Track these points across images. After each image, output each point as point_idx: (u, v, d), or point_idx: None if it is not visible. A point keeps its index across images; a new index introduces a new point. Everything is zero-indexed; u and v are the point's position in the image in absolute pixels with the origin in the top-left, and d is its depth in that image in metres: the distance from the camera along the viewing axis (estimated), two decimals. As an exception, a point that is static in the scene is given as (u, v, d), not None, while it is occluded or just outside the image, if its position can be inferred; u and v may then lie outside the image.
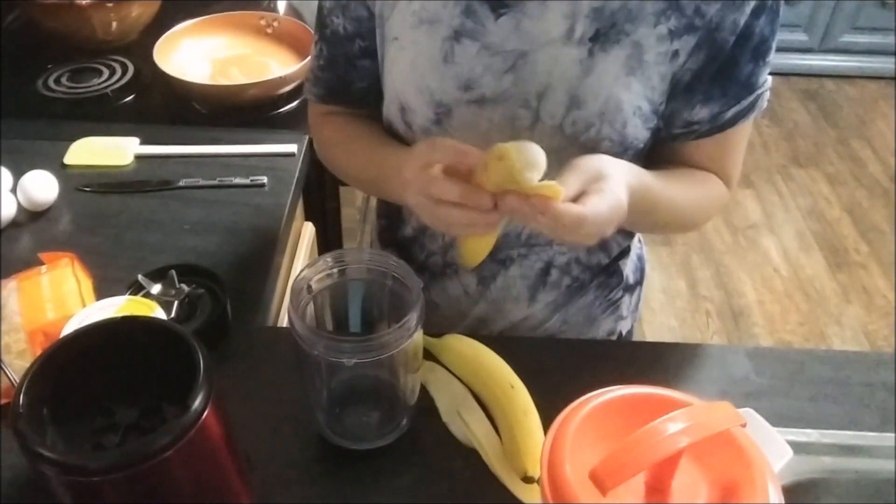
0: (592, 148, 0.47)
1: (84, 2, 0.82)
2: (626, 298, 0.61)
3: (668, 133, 0.48)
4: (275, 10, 0.98)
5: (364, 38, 0.50)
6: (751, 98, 0.46)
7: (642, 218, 0.47)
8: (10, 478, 0.42)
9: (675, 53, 0.44)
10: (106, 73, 0.85)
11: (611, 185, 0.40)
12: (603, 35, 0.43)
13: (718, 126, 0.47)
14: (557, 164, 0.48)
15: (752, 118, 0.48)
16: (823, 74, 2.11)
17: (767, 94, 0.48)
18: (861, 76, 2.10)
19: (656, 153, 0.50)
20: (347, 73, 0.52)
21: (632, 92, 0.45)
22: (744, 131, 0.49)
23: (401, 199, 0.45)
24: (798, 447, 0.41)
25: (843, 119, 1.99)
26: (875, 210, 1.70)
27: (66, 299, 0.49)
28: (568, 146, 0.47)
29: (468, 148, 0.39)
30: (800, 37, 2.05)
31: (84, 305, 0.49)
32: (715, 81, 0.45)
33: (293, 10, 0.98)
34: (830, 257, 1.57)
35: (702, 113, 0.47)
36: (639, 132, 0.47)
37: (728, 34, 0.43)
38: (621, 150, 0.47)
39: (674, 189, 0.47)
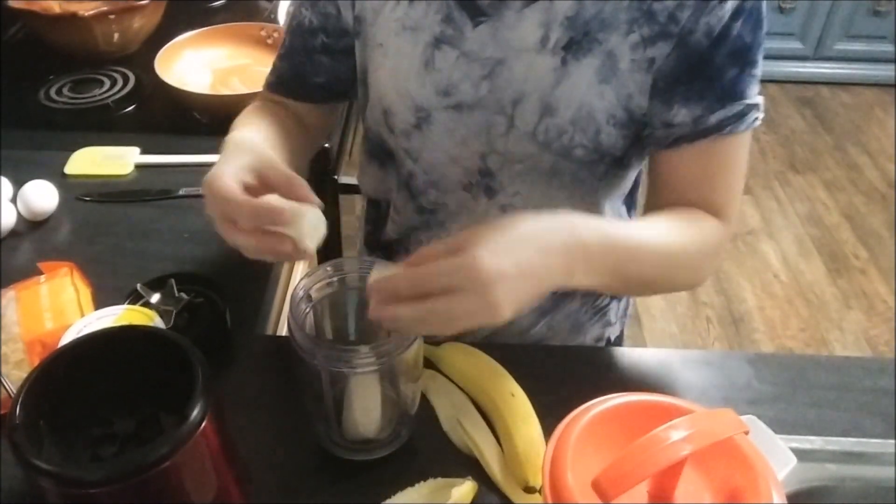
0: (566, 155, 0.47)
1: (86, 13, 0.83)
2: (614, 304, 0.60)
3: (651, 137, 0.47)
4: (275, 21, 0.99)
5: (328, 35, 0.50)
6: (738, 107, 0.44)
7: (622, 268, 0.39)
8: (9, 489, 0.41)
9: (652, 61, 0.43)
10: (107, 83, 0.85)
11: (506, 231, 0.33)
12: (576, 44, 0.43)
13: (701, 131, 0.44)
14: (534, 170, 0.49)
15: (742, 133, 0.45)
16: (818, 82, 2.13)
17: (759, 116, 0.45)
18: (856, 83, 2.12)
19: (649, 177, 0.49)
20: (303, 65, 0.52)
21: (605, 100, 0.45)
22: (732, 149, 0.46)
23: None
24: (802, 454, 0.41)
25: (839, 125, 2.00)
26: (873, 215, 1.70)
27: (64, 309, 0.49)
28: (542, 152, 0.47)
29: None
30: (794, 45, 2.08)
31: (83, 315, 0.48)
32: (692, 82, 0.44)
33: (293, 21, 0.99)
34: (830, 263, 1.57)
35: (681, 114, 0.44)
36: (614, 140, 0.46)
37: (702, 36, 0.42)
38: (597, 158, 0.47)
39: (654, 229, 0.43)
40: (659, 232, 0.44)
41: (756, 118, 0.45)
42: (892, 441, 0.44)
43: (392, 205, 0.56)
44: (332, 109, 0.60)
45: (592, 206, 0.52)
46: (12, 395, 0.42)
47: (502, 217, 0.36)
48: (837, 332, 1.41)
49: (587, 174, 0.49)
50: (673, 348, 1.34)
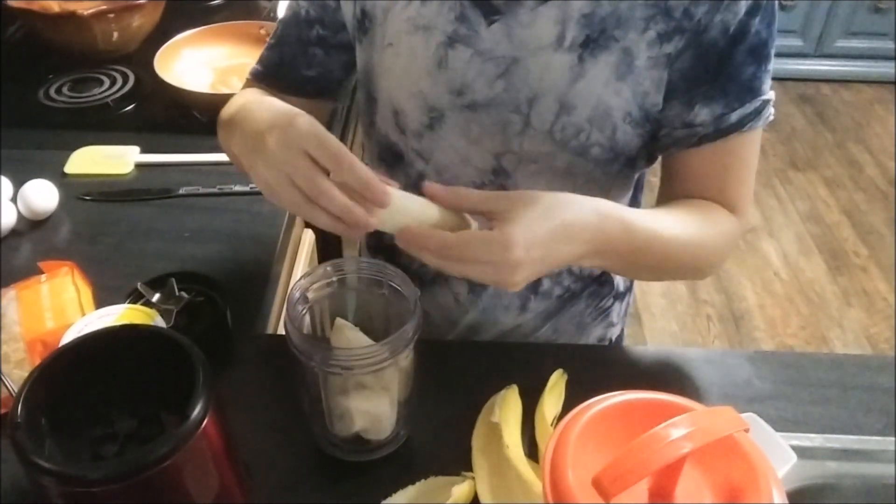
0: (582, 153, 0.47)
1: (86, 12, 0.83)
2: (617, 305, 0.61)
3: (670, 136, 0.47)
4: (274, 19, 0.99)
5: (325, 27, 0.50)
6: (756, 103, 0.45)
7: (634, 256, 0.42)
8: (10, 488, 0.41)
9: (668, 57, 0.44)
10: (107, 82, 0.85)
11: (538, 208, 0.35)
12: (593, 41, 0.43)
13: (723, 129, 0.45)
14: (549, 169, 0.48)
15: (759, 128, 0.46)
16: (819, 79, 2.13)
17: (772, 111, 0.46)
18: (856, 80, 2.12)
19: (663, 169, 0.49)
20: (295, 56, 0.52)
21: (621, 98, 0.45)
22: (748, 145, 0.47)
23: (247, 157, 0.38)
24: (802, 452, 0.41)
25: (840, 123, 2.00)
26: (874, 213, 1.70)
27: (65, 308, 0.49)
28: (558, 152, 0.47)
29: (348, 159, 0.33)
30: (795, 42, 2.07)
31: (83, 314, 0.49)
32: (714, 82, 0.44)
33: (292, 20, 0.99)
34: (830, 260, 1.57)
35: (703, 114, 0.45)
36: (629, 139, 0.47)
37: (717, 34, 0.43)
38: (612, 157, 0.47)
39: (669, 220, 0.44)
40: (676, 223, 0.45)
41: (770, 113, 0.46)
42: (893, 439, 0.44)
43: None
44: (319, 110, 0.55)
45: None
46: (14, 394, 0.43)
47: (544, 193, 0.37)
48: (838, 329, 1.41)
49: (601, 174, 0.49)
50: (673, 346, 1.34)
